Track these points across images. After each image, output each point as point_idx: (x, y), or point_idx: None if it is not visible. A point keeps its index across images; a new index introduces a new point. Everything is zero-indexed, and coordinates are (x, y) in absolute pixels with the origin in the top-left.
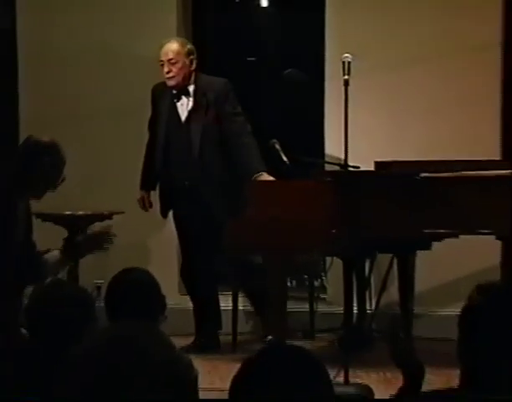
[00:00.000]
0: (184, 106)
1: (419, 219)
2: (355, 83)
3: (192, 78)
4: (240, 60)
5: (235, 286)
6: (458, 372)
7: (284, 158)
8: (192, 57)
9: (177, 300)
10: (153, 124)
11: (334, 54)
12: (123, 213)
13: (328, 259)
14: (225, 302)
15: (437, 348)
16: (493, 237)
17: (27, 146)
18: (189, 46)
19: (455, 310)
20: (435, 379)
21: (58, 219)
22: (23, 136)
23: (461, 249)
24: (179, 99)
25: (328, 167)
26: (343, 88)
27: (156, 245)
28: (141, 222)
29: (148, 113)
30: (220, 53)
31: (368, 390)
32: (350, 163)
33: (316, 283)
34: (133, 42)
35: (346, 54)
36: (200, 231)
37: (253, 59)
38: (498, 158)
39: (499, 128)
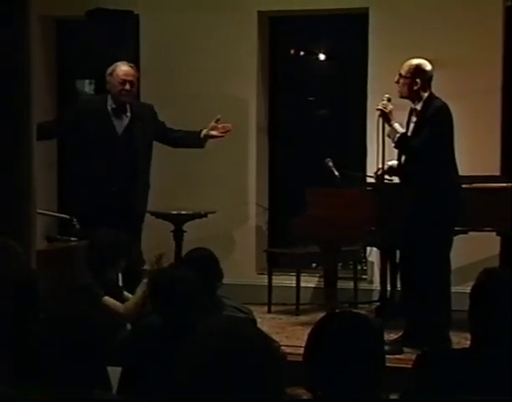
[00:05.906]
0: (122, 121)
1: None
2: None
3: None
4: (303, 99)
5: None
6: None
7: (336, 173)
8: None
9: (254, 277)
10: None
11: (374, 95)
12: (214, 212)
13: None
14: (290, 280)
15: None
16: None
17: None
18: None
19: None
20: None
21: (166, 217)
22: None
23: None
24: (118, 115)
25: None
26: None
27: (240, 236)
28: (228, 219)
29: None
30: (290, 93)
31: (398, 348)
32: (386, 177)
33: (359, 267)
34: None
35: (387, 95)
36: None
37: (312, 98)
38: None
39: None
